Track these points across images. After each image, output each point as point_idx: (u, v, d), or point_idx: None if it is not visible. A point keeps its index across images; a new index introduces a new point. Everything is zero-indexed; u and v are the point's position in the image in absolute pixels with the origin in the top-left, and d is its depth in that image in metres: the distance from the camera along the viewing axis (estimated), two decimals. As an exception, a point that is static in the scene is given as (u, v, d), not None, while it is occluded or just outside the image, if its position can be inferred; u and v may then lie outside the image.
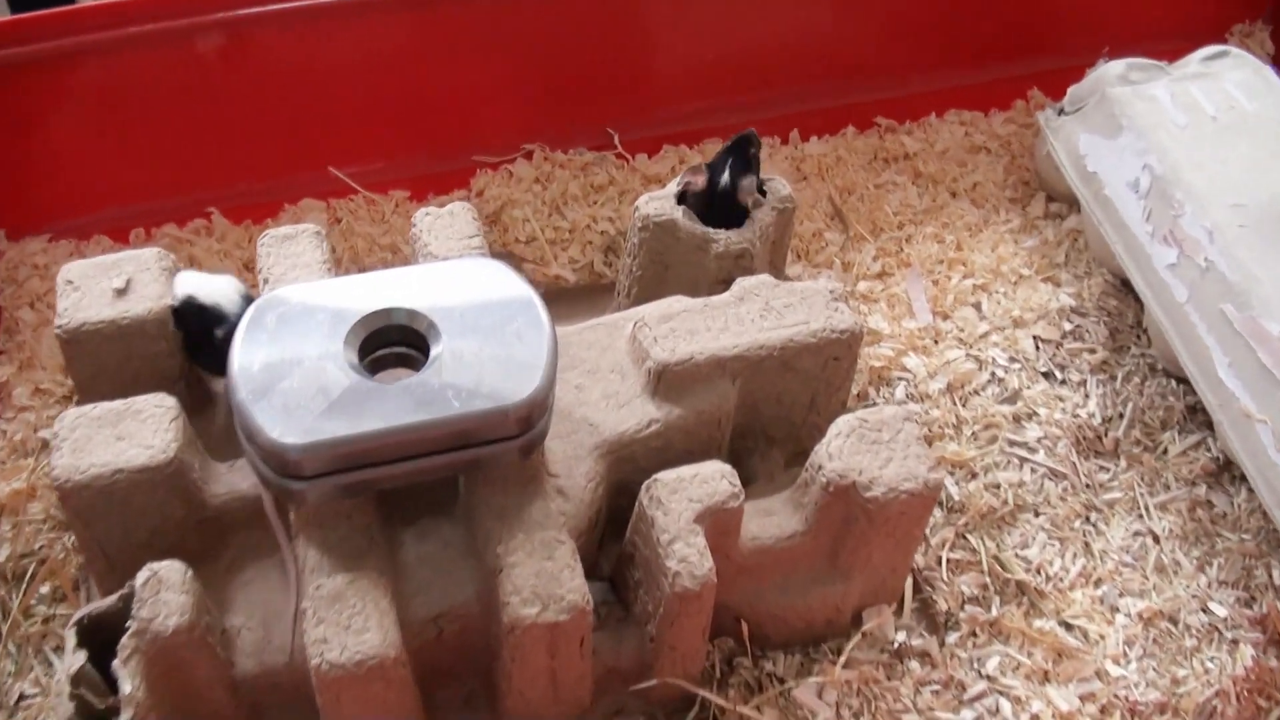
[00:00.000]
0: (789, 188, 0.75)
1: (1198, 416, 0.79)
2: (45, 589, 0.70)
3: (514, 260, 0.84)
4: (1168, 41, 0.97)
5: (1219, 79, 0.89)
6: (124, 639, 0.55)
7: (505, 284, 0.63)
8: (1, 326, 0.82)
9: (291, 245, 0.71)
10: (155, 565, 0.57)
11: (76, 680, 0.55)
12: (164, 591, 0.56)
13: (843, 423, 0.65)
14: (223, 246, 0.85)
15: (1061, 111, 0.89)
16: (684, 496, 0.61)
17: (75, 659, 0.55)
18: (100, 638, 0.57)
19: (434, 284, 0.63)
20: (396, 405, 0.57)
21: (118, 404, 0.63)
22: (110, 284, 0.68)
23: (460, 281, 0.63)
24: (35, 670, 0.67)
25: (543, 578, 0.58)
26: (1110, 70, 0.87)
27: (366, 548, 0.60)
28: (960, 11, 0.98)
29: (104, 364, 0.68)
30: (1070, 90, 0.89)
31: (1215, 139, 0.84)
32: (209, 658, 0.58)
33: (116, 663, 0.54)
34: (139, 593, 0.56)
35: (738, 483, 0.62)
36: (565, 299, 0.83)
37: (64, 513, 0.67)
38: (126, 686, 0.54)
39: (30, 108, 0.83)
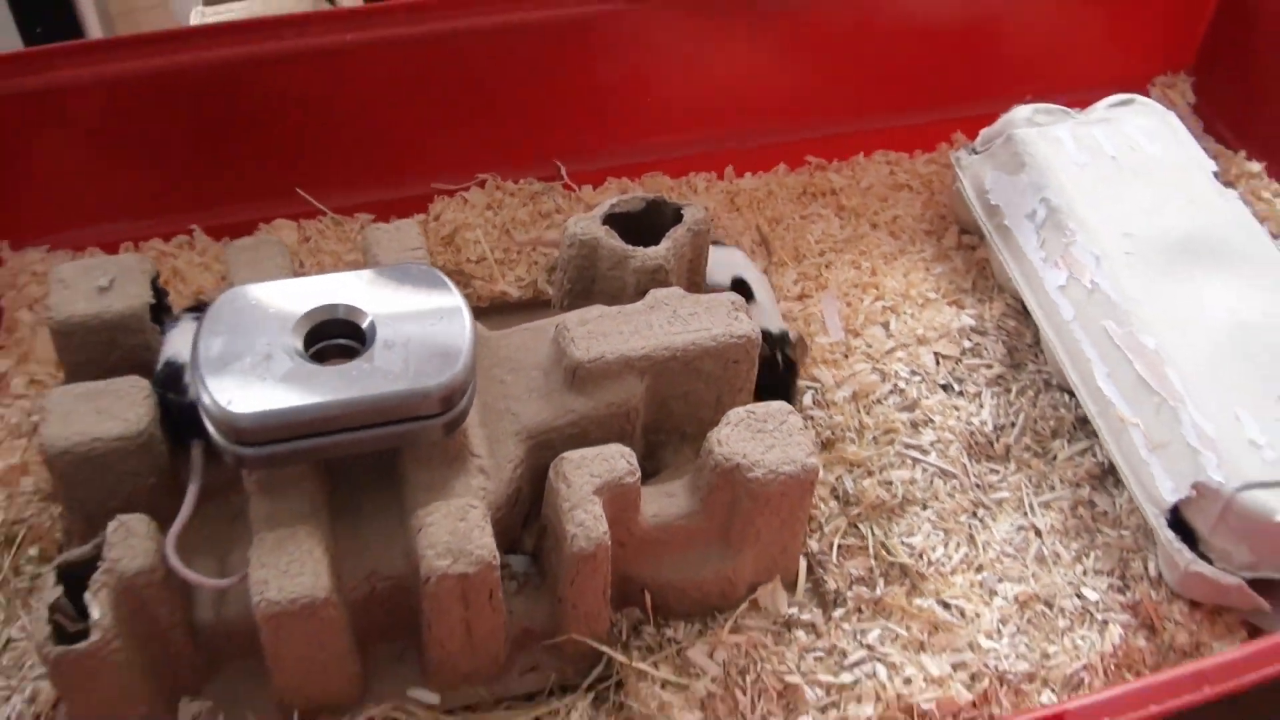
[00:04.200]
0: (704, 212, 0.88)
1: (1086, 426, 0.91)
2: (33, 551, 0.82)
3: (465, 277, 0.97)
4: (1093, 91, 1.07)
5: (1122, 124, 1.01)
6: (95, 575, 0.67)
7: (436, 288, 0.76)
8: (2, 325, 0.95)
9: (254, 253, 0.85)
10: (124, 516, 0.69)
11: (53, 609, 0.67)
12: (131, 538, 0.69)
13: (733, 414, 0.77)
14: (203, 260, 0.98)
15: (974, 151, 1.02)
16: (586, 472, 0.73)
17: (53, 593, 0.68)
18: (75, 582, 0.70)
19: (375, 286, 0.76)
20: (334, 385, 0.70)
21: (99, 384, 0.76)
22: (96, 283, 0.81)
23: (398, 285, 0.76)
24: (22, 619, 0.79)
25: (456, 535, 0.70)
26: (1018, 114, 1.00)
27: (309, 512, 0.72)
28: (893, 59, 1.10)
29: (89, 352, 0.80)
30: (982, 132, 1.02)
31: (1113, 177, 0.96)
32: (169, 601, 0.71)
33: (88, 594, 0.67)
34: (109, 538, 0.69)
35: (634, 462, 0.74)
36: (510, 311, 0.96)
37: (50, 477, 0.79)
38: (95, 613, 0.66)
39: (32, 135, 0.96)
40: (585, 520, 0.71)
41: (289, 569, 0.68)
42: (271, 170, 1.01)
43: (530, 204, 1.04)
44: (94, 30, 2.19)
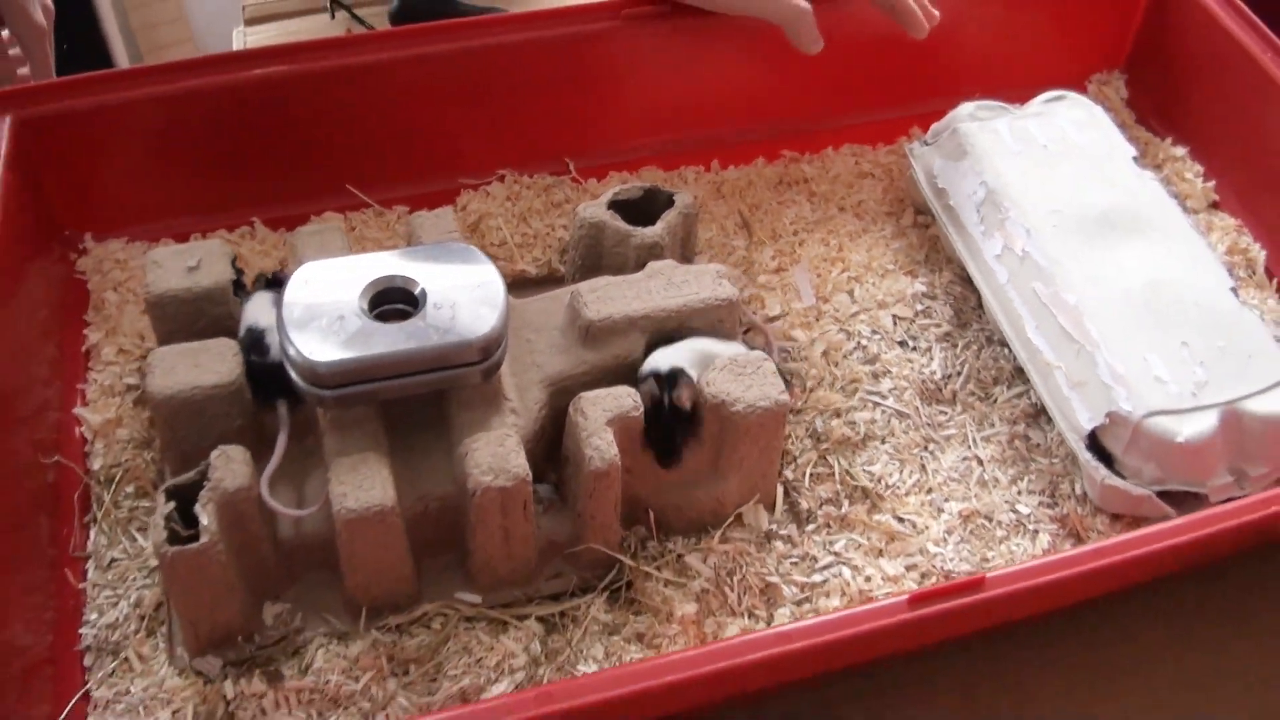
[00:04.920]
0: (692, 198, 1.05)
1: (1021, 375, 1.07)
2: (129, 489, 0.98)
3: (489, 258, 1.15)
4: (1036, 89, 1.23)
5: (1054, 117, 1.19)
6: (202, 492, 0.85)
7: (473, 261, 0.93)
8: (91, 305, 1.12)
9: (318, 237, 1.02)
10: (225, 446, 0.86)
11: (168, 519, 0.84)
12: (230, 463, 0.85)
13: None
14: (263, 247, 1.14)
15: (925, 143, 1.19)
16: (600, 408, 0.90)
17: (167, 507, 0.85)
18: (181, 503, 0.87)
19: (423, 260, 0.93)
20: (394, 339, 0.87)
21: (194, 343, 0.93)
22: (186, 264, 0.99)
23: (442, 259, 0.94)
24: (123, 543, 0.96)
25: (496, 457, 0.87)
26: (963, 110, 1.17)
27: (374, 444, 0.89)
28: (857, 65, 1.26)
29: (180, 322, 0.97)
30: (932, 127, 1.19)
31: (1043, 162, 1.13)
32: (259, 518, 0.88)
33: (197, 506, 0.84)
34: (213, 462, 0.85)
35: (639, 400, 0.91)
36: (529, 286, 1.13)
37: (147, 424, 0.96)
38: (204, 520, 0.83)
39: (112, 143, 1.13)
40: (600, 445, 0.88)
41: (362, 484, 0.85)
42: (319, 170, 1.17)
43: (544, 195, 1.21)
44: (117, 45, 2.35)
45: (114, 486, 0.99)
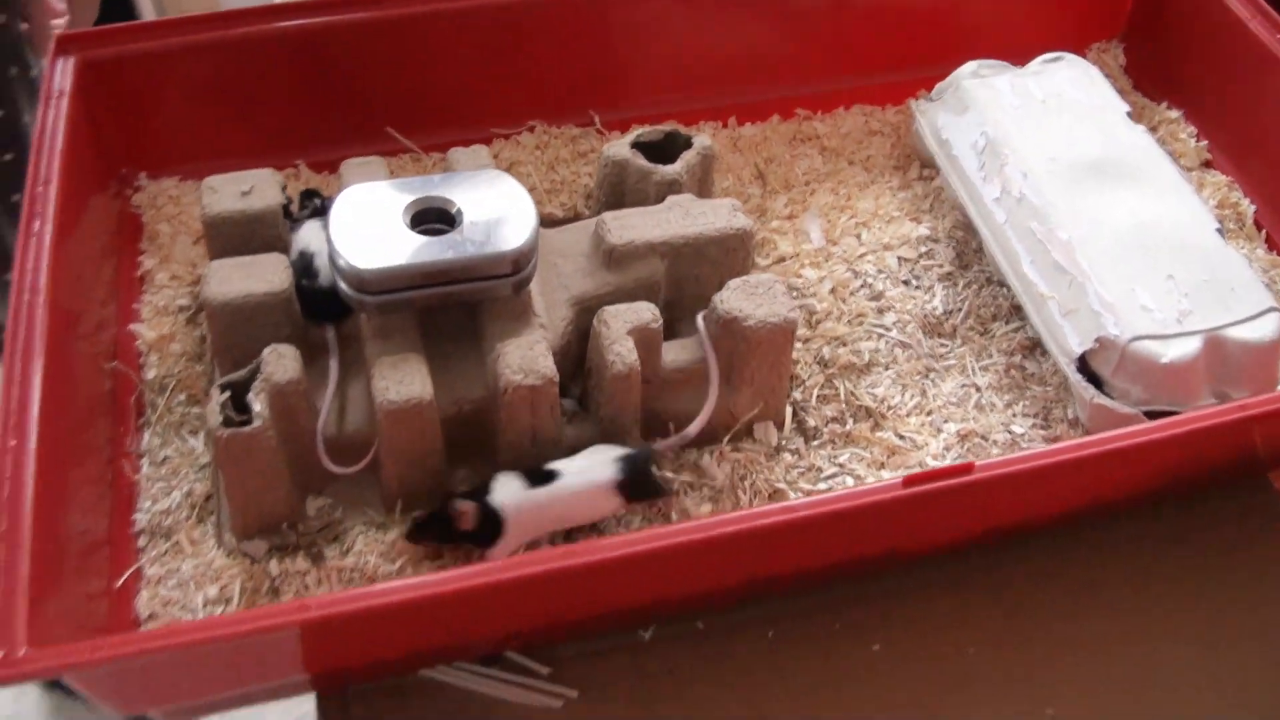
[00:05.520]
0: (711, 140, 1.14)
1: (1019, 312, 1.14)
2: (182, 396, 1.07)
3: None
4: (1033, 56, 1.34)
5: (1052, 75, 1.27)
6: (255, 383, 0.93)
7: (507, 186, 1.02)
8: (145, 235, 1.21)
9: (364, 168, 1.11)
10: (276, 344, 0.95)
11: (223, 406, 0.93)
12: (281, 359, 0.94)
13: (734, 281, 1.02)
14: (308, 187, 1.24)
15: (930, 99, 1.28)
16: (621, 319, 0.98)
17: (221, 396, 0.93)
18: (234, 398, 0.95)
19: (461, 184, 1.02)
20: (434, 250, 0.95)
21: (248, 257, 1.02)
22: (240, 189, 1.07)
23: (478, 183, 1.02)
24: (175, 443, 1.04)
25: (526, 359, 0.95)
26: (966, 68, 1.26)
27: (412, 348, 0.97)
28: (869, 30, 1.35)
29: (234, 241, 1.05)
30: (937, 85, 1.28)
31: (1040, 116, 1.21)
32: (306, 411, 0.96)
33: (250, 394, 0.92)
34: (265, 359, 0.94)
35: (657, 314, 0.99)
36: (556, 226, 1.22)
37: (209, 326, 1.05)
38: (257, 406, 0.92)
39: (166, 88, 1.22)
40: (622, 351, 0.96)
41: (402, 380, 0.94)
42: (361, 115, 1.26)
43: (571, 145, 1.29)
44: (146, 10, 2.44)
45: (167, 394, 1.08)
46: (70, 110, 1.12)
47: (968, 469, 0.86)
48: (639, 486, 0.97)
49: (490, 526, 0.94)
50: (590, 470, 0.96)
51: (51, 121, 1.11)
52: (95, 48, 1.18)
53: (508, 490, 0.95)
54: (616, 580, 0.88)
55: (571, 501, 0.96)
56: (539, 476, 0.95)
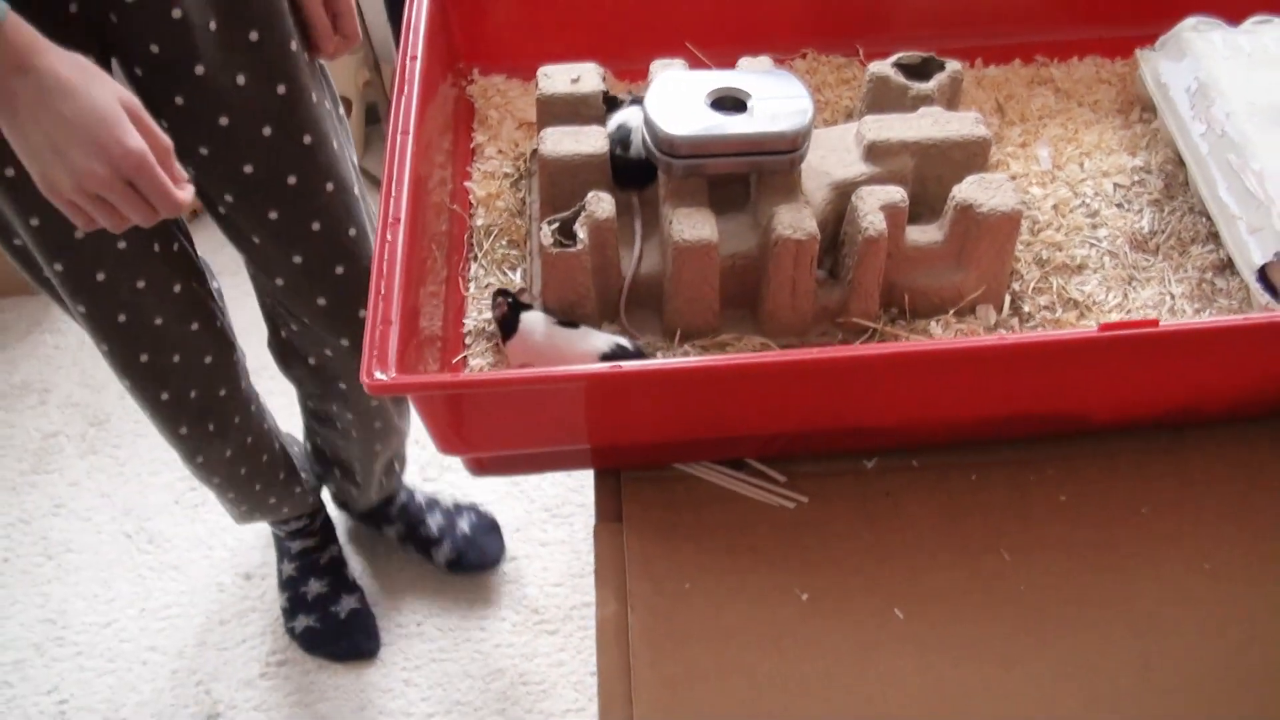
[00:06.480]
0: (960, 64, 1.37)
1: (1216, 238, 1.35)
2: (504, 241, 1.34)
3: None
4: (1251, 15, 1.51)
5: (1260, 34, 1.45)
6: (581, 215, 1.19)
7: (790, 82, 1.26)
8: (477, 118, 1.49)
9: (670, 67, 1.37)
10: (596, 191, 1.22)
11: (554, 232, 1.19)
12: (600, 201, 1.19)
13: (971, 177, 1.24)
14: (614, 91, 1.51)
15: (1153, 49, 1.48)
16: (874, 196, 1.21)
17: (551, 226, 1.19)
18: (561, 230, 1.22)
19: (756, 78, 1.26)
20: (730, 124, 1.20)
21: (575, 127, 1.28)
22: (569, 76, 1.34)
23: (771, 80, 1.26)
24: (496, 275, 1.31)
25: (794, 219, 1.18)
26: (1186, 23, 1.45)
27: (703, 204, 1.22)
28: (1107, -6, 1.57)
29: (561, 119, 1.31)
30: (1160, 38, 1.48)
31: (1246, 66, 1.39)
32: (613, 246, 1.22)
33: (576, 225, 1.19)
34: (587, 201, 1.20)
35: (905, 195, 1.22)
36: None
37: (539, 177, 1.31)
38: (580, 233, 1.17)
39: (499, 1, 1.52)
40: (873, 219, 1.19)
41: (694, 226, 1.18)
42: (662, 32, 1.51)
43: (836, 72, 1.53)
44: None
45: (491, 237, 1.35)
46: (430, 9, 1.41)
47: (1153, 324, 1.06)
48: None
49: (509, 325, 1.22)
50: (595, 338, 1.21)
51: (414, 14, 1.39)
52: (449, -41, 1.47)
53: (538, 315, 1.22)
54: (843, 386, 1.12)
55: (566, 350, 1.21)
56: (564, 323, 1.22)
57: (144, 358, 1.54)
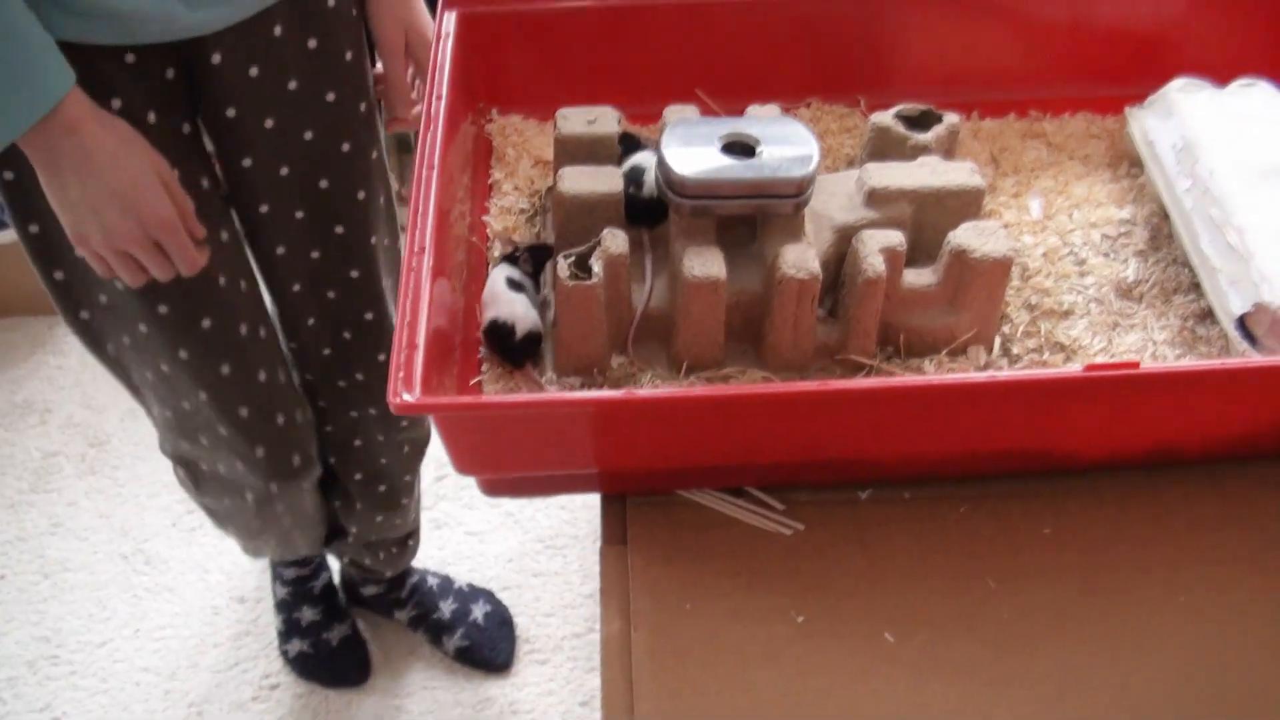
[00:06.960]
0: (958, 117, 1.45)
1: (1198, 289, 1.42)
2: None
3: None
4: (1238, 76, 1.59)
5: (1246, 96, 1.53)
6: (596, 251, 1.27)
7: (798, 130, 1.34)
8: (495, 156, 1.56)
9: (682, 112, 1.45)
10: (610, 228, 1.29)
11: (570, 265, 1.26)
12: (615, 237, 1.26)
13: (966, 223, 1.31)
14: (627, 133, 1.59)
15: (1142, 107, 1.57)
16: (875, 239, 1.27)
17: (568, 258, 1.27)
18: (577, 264, 1.29)
19: (764, 125, 1.34)
20: (738, 169, 1.27)
21: (591, 168, 1.36)
22: (586, 119, 1.42)
23: (777, 126, 1.34)
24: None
25: (798, 259, 1.24)
26: (1174, 84, 1.53)
27: (712, 243, 1.29)
28: (1097, 51, 1.64)
29: (577, 159, 1.38)
30: (1149, 97, 1.57)
31: (1231, 126, 1.47)
32: (625, 281, 1.29)
33: (592, 259, 1.26)
34: (603, 237, 1.27)
35: (903, 240, 1.30)
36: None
37: (554, 216, 1.37)
38: (596, 268, 1.25)
39: (522, 41, 1.59)
40: (873, 261, 1.26)
41: (704, 263, 1.25)
42: (673, 82, 1.58)
43: (839, 120, 1.61)
44: None
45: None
46: (454, 50, 1.48)
47: (1134, 365, 1.14)
48: None
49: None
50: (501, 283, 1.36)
51: (440, 56, 1.46)
52: (473, 4, 1.55)
53: (502, 268, 1.38)
54: (836, 419, 1.19)
55: (491, 287, 1.36)
56: (512, 283, 1.36)
57: (243, 412, 1.63)
